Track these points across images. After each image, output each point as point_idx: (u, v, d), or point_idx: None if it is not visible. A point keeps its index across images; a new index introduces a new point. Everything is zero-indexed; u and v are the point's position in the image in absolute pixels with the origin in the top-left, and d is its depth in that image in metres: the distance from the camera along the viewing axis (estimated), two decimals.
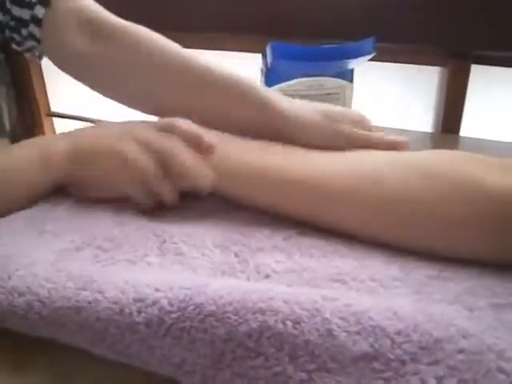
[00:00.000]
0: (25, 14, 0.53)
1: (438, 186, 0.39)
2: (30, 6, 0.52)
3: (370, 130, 0.51)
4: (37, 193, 0.48)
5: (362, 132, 0.50)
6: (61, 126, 1.39)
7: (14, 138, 0.71)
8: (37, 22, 0.53)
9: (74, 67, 0.55)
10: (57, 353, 0.34)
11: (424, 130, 0.83)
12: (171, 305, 0.31)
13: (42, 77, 1.29)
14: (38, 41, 0.54)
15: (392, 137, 0.50)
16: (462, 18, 0.75)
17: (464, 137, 0.79)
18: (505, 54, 0.75)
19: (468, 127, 0.81)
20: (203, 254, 0.40)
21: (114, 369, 0.32)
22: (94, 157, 0.46)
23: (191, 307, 0.30)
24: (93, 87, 0.55)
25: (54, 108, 1.35)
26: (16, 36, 0.55)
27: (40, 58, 0.58)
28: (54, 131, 1.38)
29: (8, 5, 0.53)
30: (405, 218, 0.39)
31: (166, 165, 0.44)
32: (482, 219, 0.37)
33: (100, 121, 1.22)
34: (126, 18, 0.54)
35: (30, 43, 0.56)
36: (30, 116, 1.31)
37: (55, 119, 1.37)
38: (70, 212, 0.46)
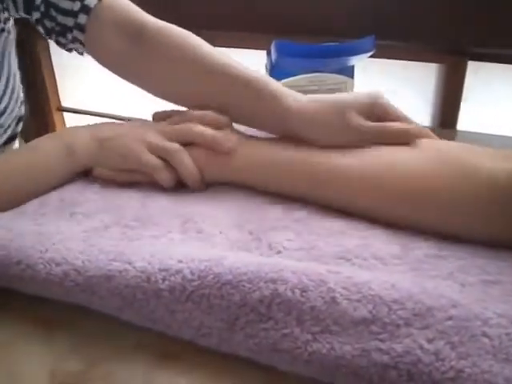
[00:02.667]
0: (69, 21, 0.58)
1: (446, 172, 0.42)
2: (74, 15, 0.57)
3: (386, 113, 0.50)
4: (64, 179, 0.53)
5: (373, 125, 0.48)
6: (71, 120, 1.42)
7: (26, 133, 0.75)
8: (80, 28, 0.58)
9: (114, 66, 0.60)
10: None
11: (422, 124, 0.85)
12: (192, 274, 0.34)
13: (53, 72, 1.33)
14: (82, 43, 0.59)
15: (408, 127, 0.49)
16: (460, 16, 0.78)
17: (461, 131, 0.82)
18: (501, 51, 0.78)
19: (465, 122, 0.84)
20: (221, 232, 0.43)
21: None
22: (116, 136, 0.51)
23: (210, 276, 0.34)
24: (132, 83, 0.59)
25: (64, 103, 1.39)
26: (62, 39, 0.61)
27: (82, 54, 0.63)
28: (64, 126, 1.42)
29: (53, 13, 0.58)
30: (415, 199, 0.42)
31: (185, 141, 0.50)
32: (483, 201, 0.40)
33: (110, 115, 1.25)
34: None
35: (74, 45, 0.61)
36: (40, 111, 1.35)
37: (66, 114, 1.41)
38: (98, 195, 0.50)
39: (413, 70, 0.91)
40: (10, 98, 0.66)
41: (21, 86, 0.70)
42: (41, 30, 0.61)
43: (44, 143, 0.52)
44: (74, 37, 0.59)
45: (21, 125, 0.72)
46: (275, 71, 0.68)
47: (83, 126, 0.55)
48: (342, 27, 0.82)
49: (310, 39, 0.75)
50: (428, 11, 0.79)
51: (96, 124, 0.55)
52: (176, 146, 0.50)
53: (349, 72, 0.70)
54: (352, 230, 0.42)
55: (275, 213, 0.46)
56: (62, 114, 1.40)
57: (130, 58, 0.57)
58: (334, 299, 0.32)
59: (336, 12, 0.84)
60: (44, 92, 1.33)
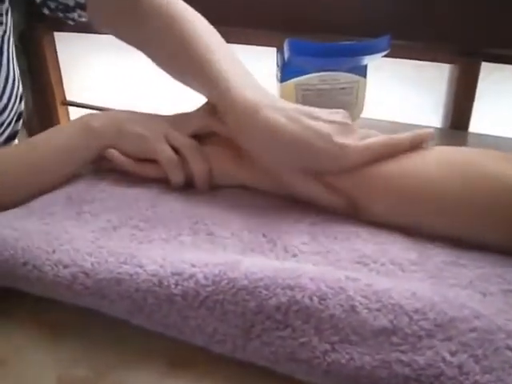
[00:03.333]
0: (70, 2, 0.60)
1: (465, 178, 0.41)
2: None
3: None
4: (84, 161, 0.52)
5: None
6: (76, 114, 1.41)
7: (30, 126, 0.74)
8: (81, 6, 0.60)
9: (113, 28, 0.60)
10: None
11: (433, 125, 0.84)
12: (206, 279, 0.33)
13: (58, 66, 1.32)
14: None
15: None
16: (473, 16, 0.76)
17: (473, 133, 0.81)
18: None
19: (477, 124, 0.83)
20: (233, 234, 0.42)
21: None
22: (137, 121, 0.52)
23: (225, 281, 0.33)
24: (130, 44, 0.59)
25: (69, 97, 1.38)
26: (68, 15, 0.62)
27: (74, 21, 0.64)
28: (68, 120, 1.41)
29: None
30: (432, 205, 0.42)
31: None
32: (503, 208, 0.39)
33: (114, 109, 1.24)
34: None
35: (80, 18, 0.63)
36: (45, 105, 1.34)
37: (70, 108, 1.40)
38: (106, 193, 0.49)
39: (425, 71, 0.90)
40: (11, 94, 0.65)
41: (20, 81, 0.69)
42: (46, 10, 0.62)
43: (65, 126, 0.52)
44: (79, 14, 0.61)
45: (21, 122, 0.71)
46: (287, 69, 0.67)
47: (103, 112, 0.55)
48: (355, 26, 0.81)
49: (322, 37, 0.74)
50: (441, 11, 0.77)
51: (116, 110, 0.55)
52: (193, 141, 0.50)
53: (362, 71, 0.68)
54: (368, 235, 0.41)
55: (289, 217, 0.45)
56: (67, 108, 1.39)
57: (127, 19, 0.58)
58: (353, 308, 0.31)
59: (348, 11, 0.83)
60: (49, 86, 1.31)
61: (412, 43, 0.80)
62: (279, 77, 0.69)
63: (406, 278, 0.36)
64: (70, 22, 0.64)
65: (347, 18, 0.83)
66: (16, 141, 0.71)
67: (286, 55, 0.64)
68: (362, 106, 0.71)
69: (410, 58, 0.85)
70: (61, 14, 0.62)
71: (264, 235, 0.42)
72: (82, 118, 0.53)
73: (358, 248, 0.39)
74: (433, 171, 0.42)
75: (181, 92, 0.59)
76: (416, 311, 0.30)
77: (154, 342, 0.35)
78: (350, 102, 0.70)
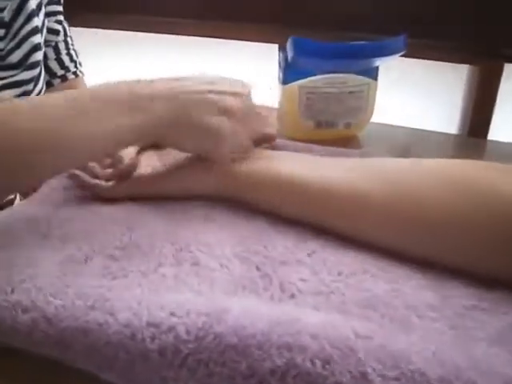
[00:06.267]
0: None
1: (454, 195, 0.36)
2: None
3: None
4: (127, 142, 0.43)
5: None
6: None
7: None
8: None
9: None
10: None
11: (449, 131, 0.78)
12: (188, 333, 0.28)
13: None
14: None
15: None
16: (496, 13, 0.70)
17: (492, 141, 0.74)
18: None
19: (497, 131, 0.76)
20: (221, 265, 0.37)
21: None
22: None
23: (210, 337, 0.28)
24: None
25: None
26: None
27: None
28: None
29: None
30: (425, 226, 0.37)
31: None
32: (497, 225, 0.34)
33: None
34: None
35: None
36: None
37: None
38: (77, 213, 0.43)
39: (441, 72, 0.83)
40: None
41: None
42: None
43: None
44: None
45: None
46: (290, 70, 0.61)
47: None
48: (366, 24, 0.74)
49: (330, 33, 0.68)
50: (460, 8, 0.71)
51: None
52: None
53: (372, 73, 0.62)
54: (376, 269, 0.36)
55: (285, 242, 0.39)
56: None
57: None
58: (364, 375, 0.25)
59: (360, 8, 0.76)
60: None
61: (425, 41, 0.74)
62: (281, 78, 0.63)
63: (423, 329, 0.30)
64: None
65: (357, 16, 0.76)
66: None
67: (290, 55, 0.58)
68: (372, 110, 0.65)
69: (424, 58, 0.78)
70: None
71: (258, 268, 0.37)
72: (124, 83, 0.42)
73: (367, 287, 0.34)
74: (433, 191, 0.37)
75: None
76: (441, 380, 0.25)
77: None
78: (360, 106, 0.64)
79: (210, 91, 0.43)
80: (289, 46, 0.58)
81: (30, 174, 0.39)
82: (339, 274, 0.36)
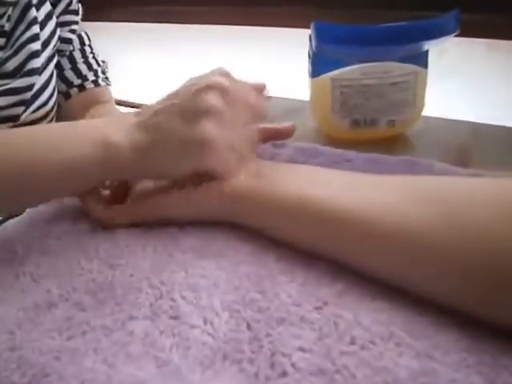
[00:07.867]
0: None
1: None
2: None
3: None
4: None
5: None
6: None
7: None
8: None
9: None
10: None
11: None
12: None
13: None
14: None
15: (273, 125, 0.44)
16: None
17: None
18: None
19: None
20: (205, 322, 0.30)
21: None
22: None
23: None
24: None
25: None
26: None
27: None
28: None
29: None
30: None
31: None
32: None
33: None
34: None
35: None
36: None
37: None
38: (58, 244, 0.38)
39: (500, 51, 0.70)
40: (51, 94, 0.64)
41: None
42: None
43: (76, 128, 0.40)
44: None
45: None
46: (317, 61, 0.52)
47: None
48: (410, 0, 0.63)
49: (369, 16, 0.58)
50: None
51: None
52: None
53: (421, 60, 0.52)
54: (405, 333, 0.28)
55: (290, 287, 0.32)
56: None
57: None
58: None
59: None
60: None
61: (481, 17, 0.61)
62: (310, 70, 0.55)
63: None
64: None
65: None
66: None
67: (314, 43, 0.49)
68: (423, 104, 0.55)
69: (480, 37, 0.65)
70: None
71: (248, 326, 0.29)
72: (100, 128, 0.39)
73: (387, 365, 0.26)
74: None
75: None
76: None
77: None
78: (406, 100, 0.53)
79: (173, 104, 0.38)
80: (312, 32, 0.49)
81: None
82: (352, 341, 0.28)
